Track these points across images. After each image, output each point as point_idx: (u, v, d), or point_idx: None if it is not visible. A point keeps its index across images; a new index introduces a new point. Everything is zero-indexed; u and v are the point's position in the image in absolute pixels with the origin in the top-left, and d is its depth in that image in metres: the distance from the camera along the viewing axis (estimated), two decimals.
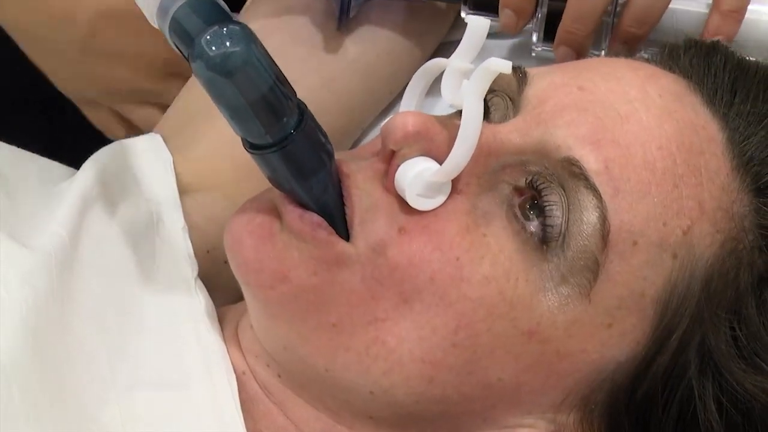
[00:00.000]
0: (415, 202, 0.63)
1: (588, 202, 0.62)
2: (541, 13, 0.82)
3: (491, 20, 0.78)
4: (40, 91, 1.03)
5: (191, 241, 0.76)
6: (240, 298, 0.71)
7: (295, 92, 0.60)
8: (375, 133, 0.90)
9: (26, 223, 0.71)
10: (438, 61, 0.68)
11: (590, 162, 0.62)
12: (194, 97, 0.86)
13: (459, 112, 0.63)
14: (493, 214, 0.64)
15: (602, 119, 0.63)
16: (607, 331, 0.63)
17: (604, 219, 0.61)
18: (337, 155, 0.65)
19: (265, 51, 0.58)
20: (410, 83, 0.70)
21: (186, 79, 0.90)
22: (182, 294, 0.73)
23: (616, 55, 0.76)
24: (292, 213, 0.63)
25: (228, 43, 0.56)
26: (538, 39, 0.84)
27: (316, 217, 0.63)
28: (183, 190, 0.79)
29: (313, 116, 0.62)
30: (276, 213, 0.65)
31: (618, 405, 0.65)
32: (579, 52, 0.81)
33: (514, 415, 0.66)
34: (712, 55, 0.70)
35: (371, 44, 0.87)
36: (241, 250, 0.65)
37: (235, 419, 0.67)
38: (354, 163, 0.66)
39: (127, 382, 0.67)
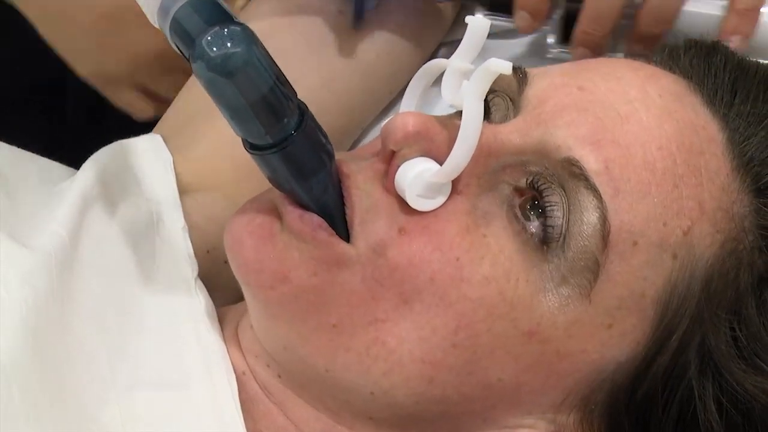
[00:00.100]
0: (415, 203, 0.63)
1: (588, 202, 0.62)
2: (558, 14, 0.82)
3: (507, 21, 0.78)
4: (40, 91, 1.03)
5: (191, 241, 0.76)
6: (240, 298, 0.71)
7: (295, 93, 0.60)
8: (375, 133, 0.90)
9: (26, 223, 0.71)
10: (438, 62, 0.68)
11: (590, 162, 0.62)
12: (194, 97, 0.87)
13: (459, 113, 0.63)
14: (493, 215, 0.64)
15: (602, 119, 0.63)
16: (608, 332, 0.63)
17: (604, 219, 0.61)
18: (337, 156, 0.65)
19: (266, 52, 0.58)
20: (410, 83, 0.70)
21: None
22: (182, 294, 0.73)
23: (634, 56, 0.76)
24: (293, 213, 0.63)
25: (229, 44, 0.56)
26: (555, 41, 0.83)
27: (316, 218, 0.63)
28: (183, 190, 0.79)
29: (313, 117, 0.62)
30: (276, 213, 0.65)
31: (618, 405, 0.65)
32: (597, 54, 0.81)
33: (514, 415, 0.66)
34: (712, 55, 0.70)
35: (371, 44, 0.87)
36: (242, 250, 0.65)
37: (235, 419, 0.67)
38: (354, 163, 0.66)
39: (127, 382, 0.67)
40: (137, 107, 1.02)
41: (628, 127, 0.63)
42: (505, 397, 0.65)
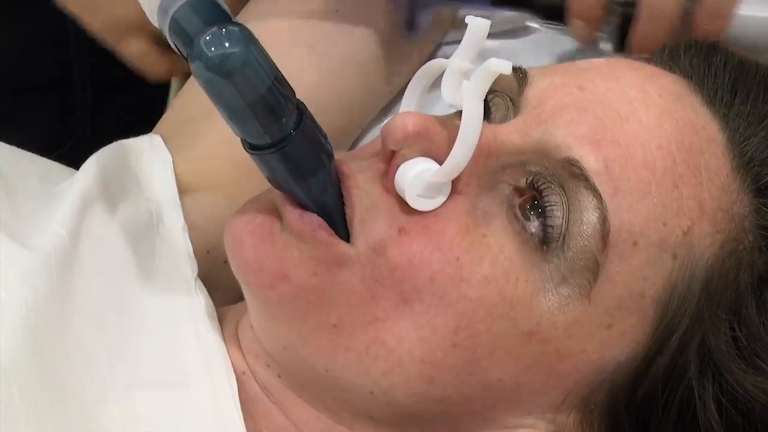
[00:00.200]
0: (415, 203, 0.63)
1: (588, 202, 0.62)
2: (613, 21, 0.82)
3: (562, 29, 0.78)
4: (40, 91, 1.03)
5: (191, 241, 0.76)
6: (240, 298, 0.71)
7: (294, 92, 0.60)
8: (375, 133, 0.90)
9: (26, 223, 0.71)
10: (438, 62, 0.68)
11: (590, 162, 0.62)
12: (194, 97, 0.86)
13: (459, 113, 0.63)
14: (493, 215, 0.64)
15: (602, 119, 0.63)
16: (607, 332, 0.63)
17: (604, 219, 0.61)
18: (337, 155, 0.65)
19: (264, 52, 0.58)
20: (410, 83, 0.70)
21: None
22: (182, 294, 0.73)
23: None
24: (292, 213, 0.63)
25: (227, 44, 0.56)
26: (613, 48, 0.83)
27: (316, 218, 0.63)
28: (183, 190, 0.79)
29: (312, 117, 0.62)
30: (276, 213, 0.65)
31: (618, 405, 0.65)
32: None
33: (514, 415, 0.66)
34: (712, 55, 0.70)
35: (370, 43, 0.87)
36: (242, 250, 0.65)
37: (235, 419, 0.67)
38: (354, 163, 0.66)
39: (127, 382, 0.67)
40: (150, 61, 1.00)
41: (628, 127, 0.63)
42: (504, 397, 0.65)
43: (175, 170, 0.80)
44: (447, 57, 0.67)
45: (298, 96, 0.61)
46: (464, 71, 0.65)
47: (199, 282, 0.74)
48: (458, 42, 0.66)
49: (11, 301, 0.64)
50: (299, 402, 0.69)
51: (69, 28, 1.03)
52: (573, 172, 0.62)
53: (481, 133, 0.61)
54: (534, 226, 0.63)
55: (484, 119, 0.62)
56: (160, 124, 0.89)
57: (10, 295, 0.64)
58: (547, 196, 0.63)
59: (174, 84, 0.98)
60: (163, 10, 0.60)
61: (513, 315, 0.62)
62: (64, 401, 0.64)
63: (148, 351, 0.69)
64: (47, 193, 0.75)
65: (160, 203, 0.77)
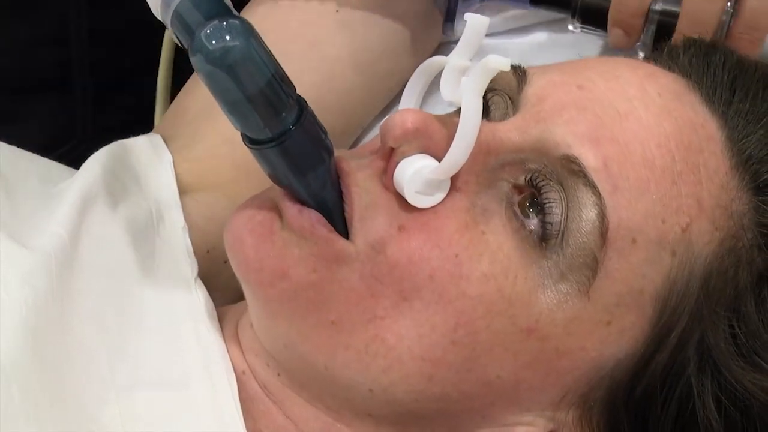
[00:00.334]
0: (414, 200, 0.63)
1: (587, 199, 0.62)
2: (651, 29, 0.82)
3: (601, 36, 0.78)
4: (40, 91, 1.03)
5: (191, 241, 0.76)
6: (240, 297, 0.71)
7: (294, 88, 0.61)
8: (375, 132, 0.90)
9: (26, 223, 0.71)
10: (437, 59, 0.68)
11: (589, 159, 0.62)
12: (194, 97, 0.87)
13: (458, 111, 0.63)
14: (492, 212, 0.64)
15: (601, 117, 0.64)
16: (606, 329, 0.63)
17: (602, 216, 0.62)
18: (337, 153, 0.65)
19: (265, 45, 0.58)
20: (410, 81, 0.70)
21: None
22: (182, 293, 0.73)
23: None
24: (292, 209, 0.63)
25: (228, 37, 0.57)
26: (646, 55, 0.83)
27: (315, 213, 0.63)
28: (183, 190, 0.79)
29: (313, 113, 0.62)
30: (276, 210, 0.65)
31: (617, 402, 0.65)
32: None
33: (513, 412, 0.66)
34: (711, 54, 0.70)
35: (371, 43, 0.87)
36: (242, 248, 0.65)
37: (234, 419, 0.67)
38: (353, 160, 0.66)
39: (127, 382, 0.67)
40: None
41: (627, 125, 0.63)
42: (504, 394, 0.65)
43: (175, 170, 0.80)
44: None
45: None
46: (463, 68, 0.65)
47: (199, 281, 0.74)
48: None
49: (11, 301, 0.64)
50: (299, 401, 0.69)
51: (69, 28, 1.03)
52: (572, 170, 0.62)
53: (480, 130, 0.61)
54: (533, 223, 0.63)
55: (483, 118, 0.63)
56: (160, 124, 0.89)
57: (10, 295, 0.64)
58: (546, 193, 0.63)
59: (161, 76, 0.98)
60: (166, 3, 0.60)
61: (512, 312, 0.62)
62: (64, 401, 0.64)
63: (148, 351, 0.69)
64: (47, 193, 0.75)
65: (160, 203, 0.77)
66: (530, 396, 0.65)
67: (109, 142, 0.81)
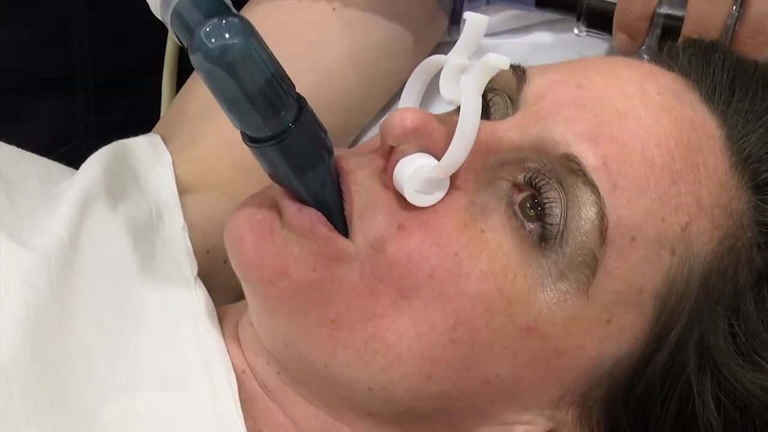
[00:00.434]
0: (414, 198, 0.63)
1: (586, 198, 0.62)
2: (656, 33, 0.82)
3: (607, 40, 0.78)
4: (41, 90, 1.03)
5: (191, 241, 0.76)
6: (240, 297, 0.71)
7: (294, 86, 0.61)
8: (374, 131, 0.90)
9: (26, 223, 0.71)
10: (437, 58, 0.68)
11: (588, 158, 0.62)
12: (194, 97, 0.87)
13: (458, 110, 0.63)
14: (491, 211, 0.64)
15: (600, 116, 0.64)
16: (606, 327, 0.63)
17: (602, 215, 0.62)
18: (337, 152, 0.65)
19: (264, 44, 0.59)
20: (409, 80, 0.70)
21: None
22: (182, 293, 0.73)
23: None
24: (291, 208, 0.63)
25: (227, 35, 0.57)
26: (650, 58, 0.83)
27: (314, 212, 0.63)
28: (183, 190, 0.79)
29: (312, 111, 0.62)
30: (276, 209, 0.65)
31: (617, 401, 0.65)
32: None
33: (513, 411, 0.66)
34: (710, 53, 0.70)
35: (370, 42, 0.87)
36: (242, 247, 0.65)
37: (234, 419, 0.67)
38: (353, 159, 0.66)
39: (127, 382, 0.67)
40: None
41: (627, 124, 0.63)
42: (503, 393, 0.65)
43: (175, 170, 0.80)
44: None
45: None
46: (462, 67, 0.65)
47: (199, 281, 0.74)
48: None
49: (11, 301, 0.64)
50: (299, 400, 0.69)
51: (70, 28, 1.03)
52: (571, 168, 0.62)
53: (480, 129, 0.61)
54: (533, 223, 0.63)
55: (483, 117, 0.63)
56: (161, 124, 0.89)
57: (10, 295, 0.64)
58: (545, 192, 0.63)
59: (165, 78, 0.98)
60: (165, 2, 0.60)
61: (511, 311, 0.62)
62: (64, 401, 0.64)
63: (148, 351, 0.69)
64: (47, 193, 0.75)
65: (160, 203, 0.77)
66: (530, 395, 0.65)
67: (111, 142, 0.81)
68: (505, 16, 0.94)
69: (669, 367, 0.64)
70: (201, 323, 0.71)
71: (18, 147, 0.79)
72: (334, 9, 0.86)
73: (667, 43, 0.75)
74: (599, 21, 0.85)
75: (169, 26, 0.61)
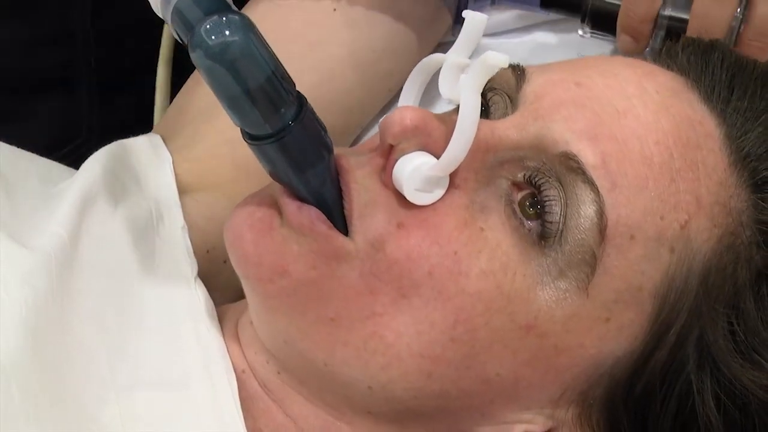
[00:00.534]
0: (413, 197, 0.63)
1: (585, 196, 0.62)
2: (660, 35, 0.82)
3: (611, 41, 0.78)
4: (43, 90, 1.03)
5: (191, 241, 0.76)
6: (239, 297, 0.71)
7: (294, 84, 0.61)
8: (375, 131, 0.90)
9: (26, 224, 0.71)
10: (436, 57, 0.68)
11: (587, 156, 0.62)
12: (194, 97, 0.87)
13: (457, 109, 0.63)
14: (491, 209, 0.64)
15: (599, 114, 0.64)
16: (605, 326, 0.63)
17: (601, 213, 0.62)
18: (337, 150, 0.65)
19: (264, 41, 0.59)
20: (408, 79, 0.70)
21: None
22: (182, 293, 0.73)
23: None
24: (291, 206, 0.63)
25: (227, 32, 0.57)
26: (654, 60, 0.83)
27: (314, 210, 0.63)
28: (183, 190, 0.79)
29: (312, 109, 0.62)
30: (276, 207, 0.65)
31: (616, 400, 0.65)
32: None
33: (512, 410, 0.66)
34: (709, 52, 0.70)
35: (370, 42, 0.87)
36: (242, 244, 0.65)
37: (234, 419, 0.67)
38: (353, 158, 0.66)
39: (127, 382, 0.67)
40: None
41: (626, 122, 0.64)
42: (503, 391, 0.65)
43: (175, 170, 0.80)
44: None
45: None
46: (461, 66, 0.65)
47: (199, 281, 0.74)
48: None
49: (11, 301, 0.64)
50: (299, 399, 0.69)
51: (72, 28, 1.03)
52: (570, 166, 0.62)
53: (479, 128, 0.61)
54: (532, 221, 0.63)
55: (483, 117, 0.63)
56: (161, 124, 0.89)
57: (10, 295, 0.64)
58: (545, 190, 0.63)
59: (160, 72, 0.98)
60: (166, 0, 0.60)
61: (511, 309, 0.62)
62: (64, 401, 0.64)
63: (148, 351, 0.69)
64: (47, 193, 0.76)
65: (160, 203, 0.77)
66: (529, 393, 0.65)
67: (109, 142, 0.81)
68: (506, 15, 0.94)
69: (668, 366, 0.64)
70: (201, 323, 0.71)
71: (22, 147, 0.79)
72: (335, 9, 0.86)
73: (666, 43, 0.75)
74: (604, 22, 0.84)
75: (169, 24, 0.61)
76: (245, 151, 0.63)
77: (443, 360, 0.63)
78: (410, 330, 0.63)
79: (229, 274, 0.69)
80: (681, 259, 0.63)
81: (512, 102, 0.67)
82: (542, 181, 0.63)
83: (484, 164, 0.64)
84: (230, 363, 0.69)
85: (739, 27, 0.79)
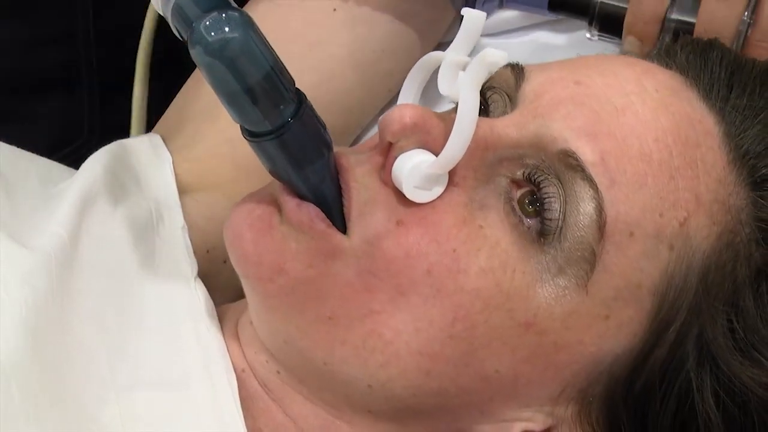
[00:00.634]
0: (412, 194, 0.63)
1: (584, 193, 0.62)
2: (667, 36, 0.82)
3: (619, 44, 0.78)
4: (46, 90, 1.03)
5: (191, 241, 0.76)
6: (239, 297, 0.71)
7: (294, 82, 0.61)
8: (375, 131, 0.90)
9: (26, 224, 0.71)
10: (435, 55, 0.68)
11: (586, 153, 0.62)
12: (194, 97, 0.87)
13: (456, 107, 0.63)
14: (490, 207, 0.64)
15: (598, 112, 0.64)
16: (605, 323, 0.63)
17: (600, 210, 0.62)
18: (336, 149, 0.65)
19: (264, 38, 0.59)
20: (408, 77, 0.70)
21: None
22: (182, 293, 0.73)
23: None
24: (290, 203, 0.64)
25: (226, 29, 0.57)
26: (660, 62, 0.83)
27: (313, 208, 0.63)
28: (183, 190, 0.79)
29: (312, 107, 0.62)
30: (276, 205, 0.65)
31: (616, 398, 0.65)
32: None
33: (512, 407, 0.66)
34: (708, 51, 0.70)
35: (373, 42, 0.87)
36: (241, 243, 0.65)
37: (235, 419, 0.67)
38: (353, 156, 0.66)
39: (127, 382, 0.67)
40: None
41: (625, 120, 0.64)
42: (502, 389, 0.65)
43: (175, 170, 0.80)
44: None
45: None
46: (460, 64, 0.65)
47: (199, 281, 0.74)
48: None
49: (11, 301, 0.64)
50: (298, 398, 0.69)
51: (74, 28, 1.03)
52: (569, 164, 0.62)
53: (478, 126, 0.62)
54: (532, 219, 0.63)
55: (482, 115, 0.63)
56: (161, 124, 0.89)
57: (10, 295, 0.64)
58: (544, 188, 0.63)
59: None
60: None
61: (510, 306, 0.62)
62: (64, 401, 0.64)
63: (148, 351, 0.69)
64: (47, 193, 0.76)
65: (160, 203, 0.77)
66: (529, 391, 0.65)
67: (109, 142, 0.81)
68: (506, 15, 0.94)
69: (668, 363, 0.64)
70: (201, 323, 0.71)
71: (23, 147, 0.80)
72: (335, 9, 0.86)
73: (665, 42, 0.75)
74: (611, 25, 0.84)
75: (169, 20, 0.61)
76: (245, 151, 0.63)
77: (442, 357, 0.63)
78: (409, 328, 0.63)
79: (229, 274, 0.69)
80: (680, 256, 0.63)
81: (511, 101, 0.67)
82: (541, 178, 0.63)
83: (483, 162, 0.64)
84: (230, 363, 0.69)
85: (747, 30, 0.79)
